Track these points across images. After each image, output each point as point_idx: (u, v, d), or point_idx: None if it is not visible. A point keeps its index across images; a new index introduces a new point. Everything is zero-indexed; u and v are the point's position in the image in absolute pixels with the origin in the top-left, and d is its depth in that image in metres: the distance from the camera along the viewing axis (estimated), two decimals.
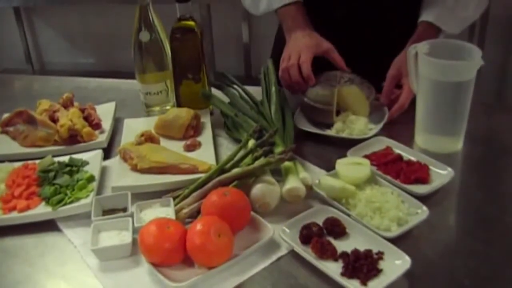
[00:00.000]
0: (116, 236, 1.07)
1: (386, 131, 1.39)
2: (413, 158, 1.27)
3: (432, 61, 1.25)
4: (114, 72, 2.29)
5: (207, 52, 1.53)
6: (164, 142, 1.38)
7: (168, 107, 1.54)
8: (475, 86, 1.28)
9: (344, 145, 1.31)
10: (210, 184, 1.14)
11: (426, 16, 1.46)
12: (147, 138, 1.34)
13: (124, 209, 1.14)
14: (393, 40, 1.49)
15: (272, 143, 1.24)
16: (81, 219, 1.15)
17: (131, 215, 1.10)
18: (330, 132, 1.39)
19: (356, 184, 1.16)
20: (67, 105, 1.52)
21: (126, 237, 1.05)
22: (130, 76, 1.60)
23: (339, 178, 1.18)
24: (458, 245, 1.07)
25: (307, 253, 1.00)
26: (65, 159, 1.30)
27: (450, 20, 1.47)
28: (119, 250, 1.04)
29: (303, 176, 1.18)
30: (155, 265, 0.99)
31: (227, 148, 1.39)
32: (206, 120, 1.47)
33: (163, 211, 1.11)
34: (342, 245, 1.03)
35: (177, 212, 1.10)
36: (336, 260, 1.00)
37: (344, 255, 1.00)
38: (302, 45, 1.48)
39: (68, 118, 1.41)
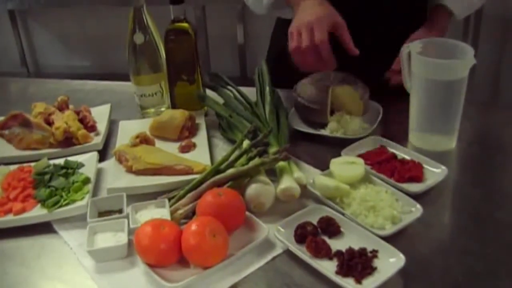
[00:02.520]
0: (112, 237, 1.07)
1: (380, 131, 1.39)
2: (407, 157, 1.27)
3: (425, 60, 1.26)
4: (109, 74, 2.29)
5: (202, 53, 1.53)
6: (159, 144, 1.38)
7: (163, 109, 1.54)
8: (469, 84, 1.29)
9: (338, 145, 1.32)
10: (205, 185, 1.14)
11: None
12: (142, 140, 1.34)
13: (120, 211, 1.14)
14: (392, 40, 1.49)
15: (266, 143, 1.25)
16: (76, 221, 1.15)
17: (127, 217, 1.10)
18: (324, 132, 1.40)
19: (350, 183, 1.16)
20: (62, 107, 1.52)
21: (121, 238, 1.06)
22: (125, 78, 1.60)
23: (333, 177, 1.18)
24: (452, 243, 1.08)
25: (302, 252, 1.01)
26: (60, 161, 1.30)
27: (460, 3, 1.51)
28: (115, 251, 1.04)
29: (298, 175, 1.19)
30: (151, 265, 0.99)
31: (222, 148, 1.39)
32: (200, 121, 1.47)
33: (159, 212, 1.11)
34: (336, 244, 1.03)
35: (172, 213, 1.10)
36: (330, 259, 1.00)
37: (338, 253, 1.00)
38: (313, 17, 1.32)
39: (63, 120, 1.41)
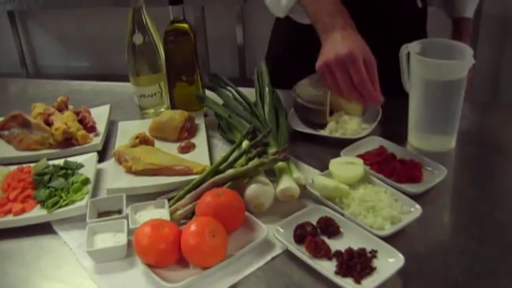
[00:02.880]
0: (111, 238, 1.07)
1: (379, 131, 1.40)
2: (406, 157, 1.27)
3: (424, 60, 1.26)
4: (108, 75, 2.29)
5: (201, 54, 1.53)
6: (158, 144, 1.39)
7: (162, 109, 1.54)
8: (469, 85, 1.29)
9: (338, 145, 1.32)
10: (204, 185, 1.15)
11: (464, 12, 1.67)
12: (142, 140, 1.35)
13: (119, 211, 1.14)
14: (392, 40, 1.49)
15: (265, 143, 1.25)
16: (76, 221, 1.15)
17: (126, 217, 1.10)
18: (324, 132, 1.40)
19: (349, 184, 1.17)
20: (61, 108, 1.52)
21: (121, 239, 1.06)
22: (125, 79, 1.60)
23: (332, 177, 1.18)
24: (451, 243, 1.08)
25: (301, 253, 1.01)
26: (60, 162, 1.30)
27: (472, 7, 1.68)
28: (114, 252, 1.04)
29: (297, 176, 1.19)
30: (150, 266, 0.99)
31: (221, 149, 1.39)
32: (200, 121, 1.47)
33: (158, 212, 1.12)
34: (336, 244, 1.03)
35: (171, 213, 1.11)
36: (330, 259, 1.01)
37: (338, 254, 1.01)
38: (344, 52, 1.17)
39: (63, 121, 1.41)
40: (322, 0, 1.28)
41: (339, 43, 1.19)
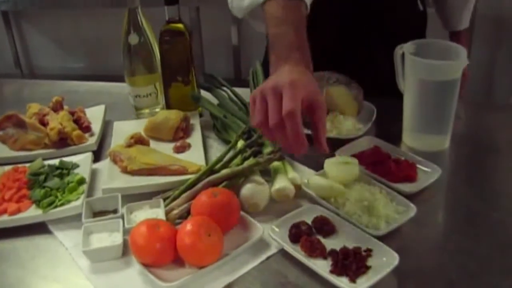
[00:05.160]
0: (107, 237, 1.07)
1: (374, 131, 1.40)
2: (401, 157, 1.28)
3: (418, 61, 1.26)
4: (103, 75, 2.29)
5: (197, 55, 1.53)
6: (154, 144, 1.39)
7: (157, 110, 1.54)
8: (465, 86, 1.30)
9: (333, 145, 1.31)
10: (199, 185, 1.15)
11: (460, 26, 1.76)
12: (137, 140, 1.35)
13: (115, 211, 1.15)
14: (386, 40, 1.49)
15: (261, 143, 1.25)
16: (72, 221, 1.15)
17: (122, 217, 1.10)
18: None
19: (344, 183, 1.17)
20: (56, 108, 1.52)
21: (117, 239, 1.06)
22: (120, 79, 1.60)
23: (327, 177, 1.19)
24: (445, 242, 1.09)
25: (296, 252, 1.01)
26: (55, 162, 1.30)
27: (468, 16, 1.76)
28: (110, 252, 1.04)
29: (292, 176, 1.19)
30: (146, 265, 1.00)
31: (217, 149, 1.39)
32: (195, 122, 1.48)
33: (154, 212, 1.12)
34: (331, 243, 1.04)
35: (167, 213, 1.11)
36: (325, 258, 1.01)
37: (333, 253, 1.01)
38: (285, 81, 0.97)
39: (58, 121, 1.41)
40: (287, 26, 1.09)
41: (284, 74, 1.00)
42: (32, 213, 1.16)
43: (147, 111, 1.55)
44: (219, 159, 1.21)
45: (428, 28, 1.71)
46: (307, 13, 1.13)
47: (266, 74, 1.47)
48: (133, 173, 1.25)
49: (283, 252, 1.04)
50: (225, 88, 1.52)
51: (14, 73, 4.05)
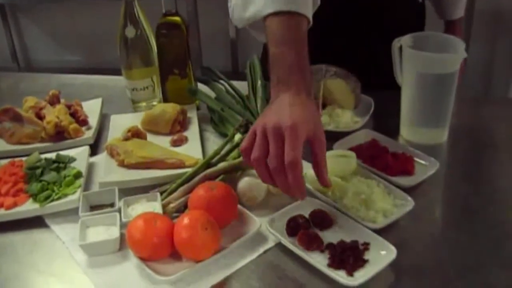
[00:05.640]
0: (104, 231, 1.07)
1: (371, 124, 1.40)
2: (398, 150, 1.27)
3: (416, 54, 1.26)
4: (100, 68, 2.29)
5: (194, 48, 1.53)
6: (151, 138, 1.38)
7: (154, 103, 1.54)
8: (460, 79, 1.29)
9: (330, 138, 1.30)
10: (196, 179, 1.15)
11: (454, 15, 1.77)
12: (134, 134, 1.34)
13: (112, 205, 1.14)
14: (384, 33, 1.49)
15: None
16: (68, 215, 1.14)
17: (119, 210, 1.10)
18: None
19: (342, 177, 1.17)
20: (53, 102, 1.51)
21: (114, 232, 1.06)
22: (117, 72, 1.60)
23: None
24: (443, 236, 1.08)
25: (294, 245, 1.01)
26: (52, 155, 1.30)
27: (463, 5, 1.79)
28: (107, 245, 1.04)
29: None
30: (143, 259, 0.99)
31: (214, 142, 1.39)
32: (192, 115, 1.47)
33: (150, 205, 1.11)
34: (328, 237, 1.04)
35: (164, 206, 1.10)
36: (322, 251, 1.01)
37: (330, 246, 1.01)
38: (288, 121, 0.96)
39: (55, 114, 1.41)
40: (288, 46, 1.06)
41: (285, 112, 0.99)
42: (28, 207, 1.15)
43: (144, 104, 1.54)
44: (216, 153, 1.20)
45: (426, 20, 1.70)
46: (310, 26, 1.11)
47: (264, 69, 1.47)
48: (130, 166, 1.25)
49: (280, 246, 1.04)
50: (222, 81, 1.51)
51: (11, 67, 4.04)
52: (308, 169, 1.18)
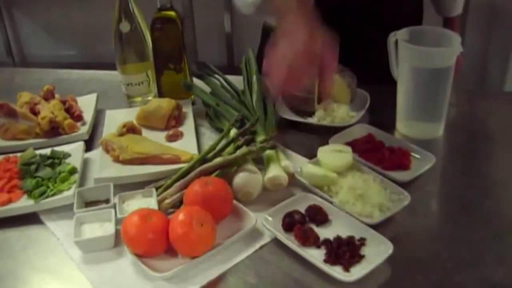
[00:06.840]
0: (99, 227, 1.06)
1: (367, 118, 1.40)
2: (394, 145, 1.27)
3: (412, 48, 1.26)
4: (95, 63, 2.28)
5: (189, 42, 1.52)
6: (146, 133, 1.38)
7: (149, 98, 1.53)
8: (459, 77, 1.29)
9: (326, 133, 1.31)
10: (192, 174, 1.14)
11: (453, 12, 1.77)
12: (129, 129, 1.34)
13: (107, 201, 1.14)
14: (380, 27, 1.48)
15: (253, 132, 1.24)
16: (63, 211, 1.14)
17: (114, 207, 1.10)
18: (312, 120, 1.39)
19: (338, 172, 1.16)
20: (48, 97, 1.51)
21: (109, 228, 1.05)
22: (112, 67, 1.59)
23: (321, 165, 1.18)
24: (439, 230, 1.08)
25: (290, 241, 1.01)
26: (46, 151, 1.29)
27: (461, 5, 1.78)
28: (102, 242, 1.04)
29: (285, 164, 1.19)
30: (139, 255, 0.99)
31: (209, 137, 1.39)
32: (188, 110, 1.47)
33: (146, 201, 1.11)
34: (324, 232, 1.03)
35: (159, 202, 1.10)
36: (318, 247, 1.01)
37: (326, 242, 1.01)
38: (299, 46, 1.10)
39: (49, 110, 1.40)
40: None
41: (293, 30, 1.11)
42: (23, 203, 1.15)
43: (139, 99, 1.54)
44: (212, 148, 1.20)
45: (424, 16, 1.70)
46: None
47: (259, 62, 1.46)
48: (125, 162, 1.24)
49: (276, 241, 1.04)
50: (217, 76, 1.51)
51: (6, 62, 4.03)
52: (303, 164, 1.18)
